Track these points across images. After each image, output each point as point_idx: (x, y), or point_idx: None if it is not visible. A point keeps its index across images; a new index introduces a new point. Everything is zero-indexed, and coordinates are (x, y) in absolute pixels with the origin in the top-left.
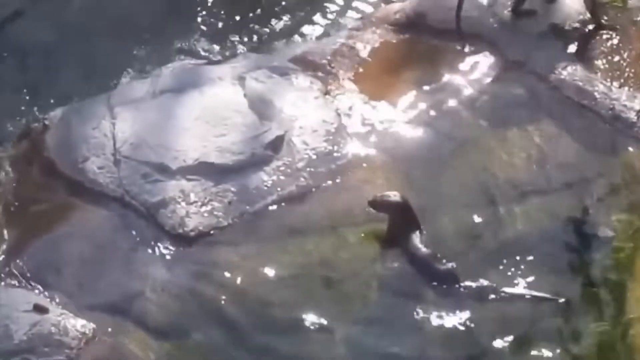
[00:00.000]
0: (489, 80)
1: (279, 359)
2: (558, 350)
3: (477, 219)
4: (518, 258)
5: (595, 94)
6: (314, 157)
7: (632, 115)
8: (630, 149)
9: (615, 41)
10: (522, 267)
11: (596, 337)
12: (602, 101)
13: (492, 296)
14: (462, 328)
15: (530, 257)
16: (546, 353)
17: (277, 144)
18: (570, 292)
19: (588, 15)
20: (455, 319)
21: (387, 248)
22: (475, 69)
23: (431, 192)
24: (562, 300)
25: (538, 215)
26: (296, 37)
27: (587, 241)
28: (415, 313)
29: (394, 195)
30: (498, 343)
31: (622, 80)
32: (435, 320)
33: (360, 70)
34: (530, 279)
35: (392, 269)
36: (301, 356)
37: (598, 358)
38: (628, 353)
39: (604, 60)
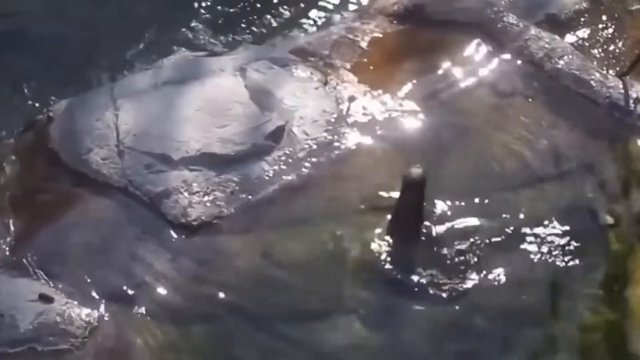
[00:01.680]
0: (487, 69)
1: (282, 347)
2: (558, 335)
3: (477, 207)
4: (518, 246)
5: (592, 82)
6: (315, 147)
7: (630, 103)
8: (628, 136)
9: (611, 30)
10: (522, 254)
11: (595, 322)
12: (599, 89)
13: (494, 284)
14: (462, 316)
15: (530, 245)
16: (547, 337)
17: (278, 134)
18: (570, 279)
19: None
20: (454, 308)
21: (389, 236)
22: (473, 59)
23: (432, 180)
24: None
25: (537, 203)
26: (296, 29)
27: (586, 229)
28: (416, 302)
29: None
30: (497, 330)
31: (618, 69)
32: (435, 309)
33: (360, 60)
34: (530, 265)
35: (393, 258)
36: (304, 344)
37: (599, 342)
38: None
39: (601, 49)
